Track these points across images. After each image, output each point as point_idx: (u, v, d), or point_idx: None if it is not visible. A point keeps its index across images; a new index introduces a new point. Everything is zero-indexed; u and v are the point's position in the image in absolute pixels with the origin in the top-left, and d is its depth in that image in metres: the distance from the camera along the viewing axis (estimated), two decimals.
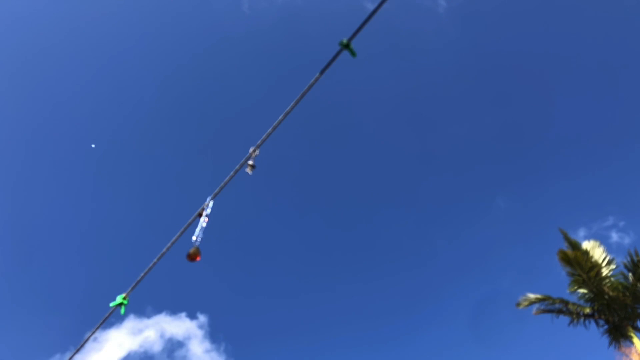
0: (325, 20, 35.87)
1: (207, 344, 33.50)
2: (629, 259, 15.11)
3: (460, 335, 36.62)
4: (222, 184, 4.32)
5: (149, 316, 34.16)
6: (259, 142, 4.19)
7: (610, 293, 15.34)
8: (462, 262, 39.53)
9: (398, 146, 41.39)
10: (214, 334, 34.82)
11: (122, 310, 4.64)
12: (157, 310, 34.96)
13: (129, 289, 4.62)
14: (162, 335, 32.91)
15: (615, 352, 15.73)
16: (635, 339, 14.88)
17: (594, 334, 16.08)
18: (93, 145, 33.37)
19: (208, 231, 4.43)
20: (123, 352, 31.55)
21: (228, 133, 38.55)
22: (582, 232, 34.77)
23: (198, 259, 4.30)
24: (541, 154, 38.82)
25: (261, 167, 4.26)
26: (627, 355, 15.37)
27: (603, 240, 30.32)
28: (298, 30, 37.24)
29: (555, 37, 35.97)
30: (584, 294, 16.06)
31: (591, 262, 15.68)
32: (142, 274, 4.54)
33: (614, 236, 31.90)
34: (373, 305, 39.16)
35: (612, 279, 15.62)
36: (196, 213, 4.45)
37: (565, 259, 15.85)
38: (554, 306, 16.39)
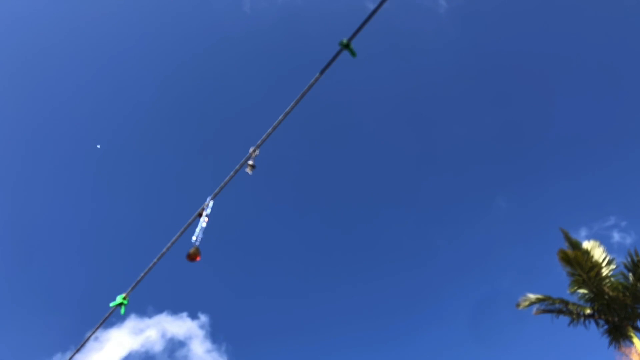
0: (325, 20, 35.90)
1: (208, 344, 33.53)
2: (629, 259, 15.12)
3: (460, 335, 36.64)
4: (222, 184, 4.32)
5: (150, 316, 34.20)
6: (259, 142, 4.19)
7: (611, 293, 15.34)
8: (462, 262, 39.55)
9: (398, 146, 41.41)
10: (215, 334, 34.86)
11: (122, 310, 4.65)
12: (158, 310, 35.01)
13: (129, 289, 4.62)
14: (163, 335, 32.94)
15: (615, 352, 15.75)
16: (635, 339, 14.87)
17: (594, 334, 16.10)
18: (98, 146, 33.39)
19: (208, 231, 4.43)
20: (124, 352, 31.58)
21: (228, 133, 38.59)
22: (583, 232, 34.76)
23: (198, 259, 4.30)
24: (542, 153, 38.85)
25: (261, 167, 4.26)
26: (627, 355, 15.37)
27: (604, 240, 30.37)
28: (298, 30, 37.27)
29: (555, 37, 35.98)
30: (584, 294, 16.06)
31: (591, 262, 15.67)
32: (142, 274, 4.54)
33: (616, 236, 31.89)
34: (373, 306, 39.19)
35: (612, 279, 15.62)
36: (196, 213, 4.45)
37: (566, 259, 15.84)
38: (554, 306, 16.39)
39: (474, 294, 39.18)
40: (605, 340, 15.85)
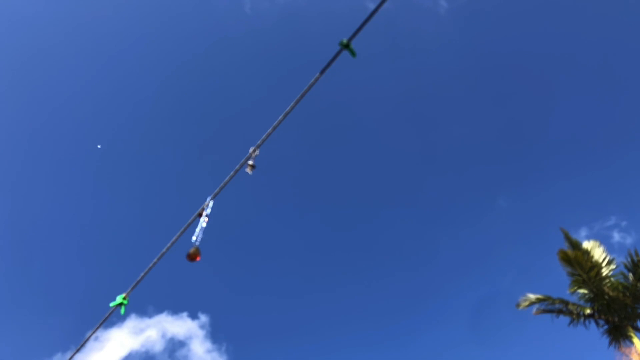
0: (326, 20, 35.91)
1: (208, 344, 33.53)
2: (629, 259, 15.12)
3: (460, 335, 36.66)
4: (222, 184, 4.32)
5: (150, 316, 34.19)
6: (259, 142, 4.19)
7: (610, 293, 15.34)
8: (462, 262, 39.58)
9: (399, 146, 41.42)
10: (216, 334, 34.86)
11: (122, 310, 4.65)
12: (159, 310, 35.04)
13: (129, 289, 4.62)
14: (163, 335, 32.94)
15: (615, 352, 15.75)
16: (635, 339, 14.87)
17: (594, 334, 16.10)
18: (99, 146, 33.40)
19: (208, 231, 4.43)
20: (124, 352, 31.59)
21: (228, 133, 38.60)
22: (583, 232, 34.78)
23: (198, 259, 4.30)
24: (543, 153, 38.86)
25: (261, 167, 4.26)
26: (627, 355, 15.37)
27: (605, 240, 30.42)
28: (298, 30, 37.28)
29: (555, 37, 35.98)
30: (584, 294, 16.06)
31: (591, 262, 15.67)
32: (142, 274, 4.54)
33: (616, 236, 31.91)
34: (374, 306, 39.20)
35: (612, 279, 15.62)
36: (196, 213, 4.45)
37: (566, 259, 15.84)
38: (554, 306, 16.39)
39: (474, 294, 39.24)
40: (605, 340, 15.88)
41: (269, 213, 40.99)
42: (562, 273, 16.36)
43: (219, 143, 39.32)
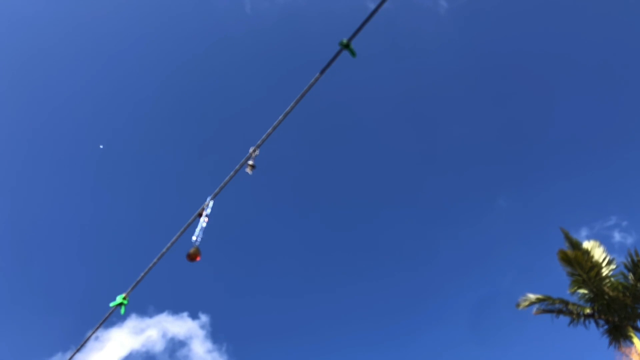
0: (326, 20, 35.91)
1: (208, 344, 33.53)
2: (629, 259, 15.11)
3: (460, 335, 36.66)
4: (222, 184, 4.32)
5: (150, 316, 34.20)
6: (259, 142, 4.19)
7: (610, 293, 15.33)
8: (462, 262, 39.59)
9: (399, 146, 41.43)
10: (216, 334, 34.88)
11: (122, 310, 4.65)
12: (159, 310, 35.07)
13: (129, 289, 4.62)
14: (164, 335, 32.95)
15: (615, 352, 15.74)
16: (635, 339, 14.87)
17: (594, 334, 16.10)
18: (101, 146, 33.41)
19: (208, 231, 4.43)
20: (125, 352, 31.59)
21: (228, 133, 38.60)
22: (584, 232, 34.79)
23: (198, 259, 4.30)
24: (543, 153, 38.88)
25: (261, 167, 4.26)
26: (627, 355, 15.37)
27: (605, 240, 30.44)
28: (299, 30, 37.29)
29: (555, 37, 35.98)
30: (584, 294, 16.05)
31: (591, 262, 15.66)
32: (142, 274, 4.54)
33: (617, 236, 31.91)
34: (374, 306, 39.21)
35: (612, 279, 15.61)
36: (196, 213, 4.45)
37: (566, 259, 15.83)
38: (554, 306, 16.38)
39: (474, 294, 39.24)
40: (605, 340, 15.87)
41: (269, 213, 41.02)
42: (562, 273, 16.37)
43: (219, 143, 39.37)
